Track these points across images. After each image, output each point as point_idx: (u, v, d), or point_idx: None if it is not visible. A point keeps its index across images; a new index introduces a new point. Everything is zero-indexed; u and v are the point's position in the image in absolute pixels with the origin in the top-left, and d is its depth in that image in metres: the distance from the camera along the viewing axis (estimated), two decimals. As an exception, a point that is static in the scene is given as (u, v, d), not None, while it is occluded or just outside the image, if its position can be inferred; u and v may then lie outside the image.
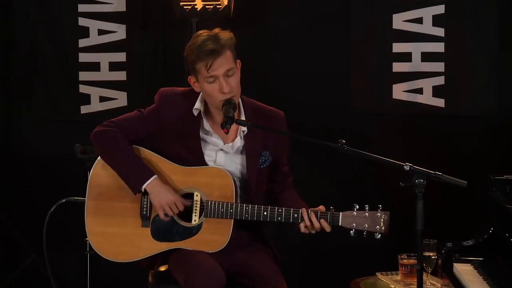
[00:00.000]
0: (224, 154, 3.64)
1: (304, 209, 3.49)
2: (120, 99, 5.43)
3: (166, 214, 3.55)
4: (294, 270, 5.20)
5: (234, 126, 3.57)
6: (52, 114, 5.46)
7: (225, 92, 3.52)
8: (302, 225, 3.50)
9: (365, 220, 3.45)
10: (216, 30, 3.60)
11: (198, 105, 3.63)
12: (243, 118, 3.63)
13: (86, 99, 5.45)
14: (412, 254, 3.71)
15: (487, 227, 3.71)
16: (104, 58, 5.43)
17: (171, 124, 3.63)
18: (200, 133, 3.64)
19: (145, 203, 3.59)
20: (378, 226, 3.45)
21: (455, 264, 3.67)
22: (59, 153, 5.30)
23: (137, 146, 3.64)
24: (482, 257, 3.67)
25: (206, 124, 3.64)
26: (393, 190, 3.49)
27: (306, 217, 3.48)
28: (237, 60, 3.62)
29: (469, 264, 3.66)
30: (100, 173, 3.67)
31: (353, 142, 3.38)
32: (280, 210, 3.51)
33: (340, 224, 3.48)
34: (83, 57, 5.43)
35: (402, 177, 3.19)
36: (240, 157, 3.66)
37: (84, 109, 5.45)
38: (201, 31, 3.64)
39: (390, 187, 3.50)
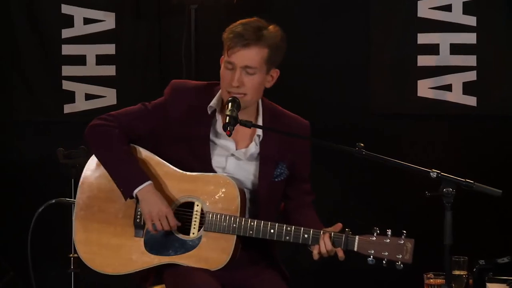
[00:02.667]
0: (235, 160, 3.60)
1: (315, 230, 3.41)
2: (109, 96, 5.42)
3: (155, 227, 3.54)
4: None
5: (248, 130, 3.54)
6: (32, 113, 5.45)
7: (233, 86, 3.49)
8: (315, 252, 3.41)
9: (385, 246, 3.36)
10: (272, 26, 3.52)
11: (214, 102, 3.57)
12: (260, 122, 3.59)
13: (70, 96, 5.44)
14: (440, 273, 3.70)
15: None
16: (91, 51, 5.43)
17: (178, 122, 3.58)
18: (210, 135, 3.61)
19: (139, 210, 3.58)
20: (400, 255, 3.34)
21: (488, 284, 3.66)
22: (39, 157, 5.31)
23: (135, 146, 3.62)
24: (519, 276, 3.68)
25: (219, 125, 3.61)
26: (417, 200, 3.48)
27: (321, 241, 3.40)
28: (274, 70, 3.55)
29: (505, 284, 3.66)
30: (93, 173, 3.63)
31: (372, 145, 3.36)
32: (289, 228, 3.45)
33: (355, 249, 3.40)
34: (67, 50, 5.43)
35: (428, 185, 3.17)
36: (253, 165, 3.60)
37: (68, 108, 5.45)
38: (258, 19, 3.56)
39: (414, 196, 3.48)
